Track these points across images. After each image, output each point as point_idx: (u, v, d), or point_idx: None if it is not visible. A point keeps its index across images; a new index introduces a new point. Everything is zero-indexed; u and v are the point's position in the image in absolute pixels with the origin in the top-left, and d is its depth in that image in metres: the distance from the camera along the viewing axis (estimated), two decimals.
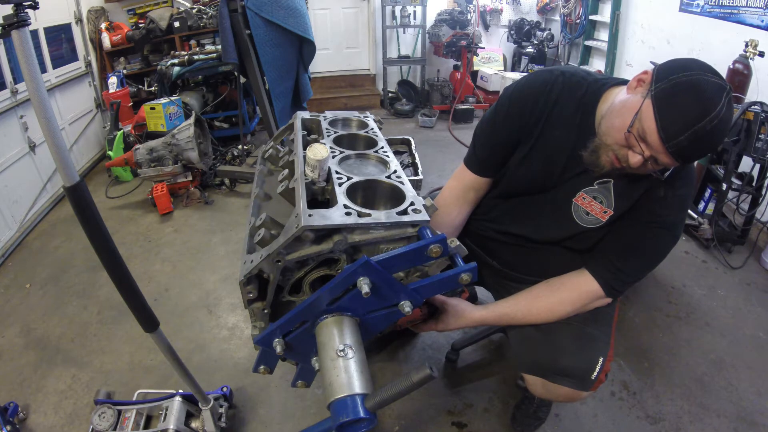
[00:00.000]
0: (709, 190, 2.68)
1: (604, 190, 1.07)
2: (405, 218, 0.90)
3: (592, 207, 1.09)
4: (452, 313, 1.16)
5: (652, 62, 0.93)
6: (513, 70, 5.33)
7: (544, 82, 1.09)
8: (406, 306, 0.91)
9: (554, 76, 1.09)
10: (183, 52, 3.79)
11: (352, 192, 0.99)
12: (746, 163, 2.46)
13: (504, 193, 1.25)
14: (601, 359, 1.09)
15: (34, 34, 3.06)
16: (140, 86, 4.11)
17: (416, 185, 1.45)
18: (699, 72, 0.85)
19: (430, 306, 1.19)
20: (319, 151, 0.98)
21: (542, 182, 1.14)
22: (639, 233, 1.07)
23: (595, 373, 1.08)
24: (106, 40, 3.98)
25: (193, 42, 4.13)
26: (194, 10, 4.12)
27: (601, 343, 1.12)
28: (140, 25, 4.11)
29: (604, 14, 4.36)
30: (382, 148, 1.24)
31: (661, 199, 1.03)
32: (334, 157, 1.13)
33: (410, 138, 1.85)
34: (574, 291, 1.11)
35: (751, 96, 2.52)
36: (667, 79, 0.87)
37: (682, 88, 0.85)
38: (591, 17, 4.51)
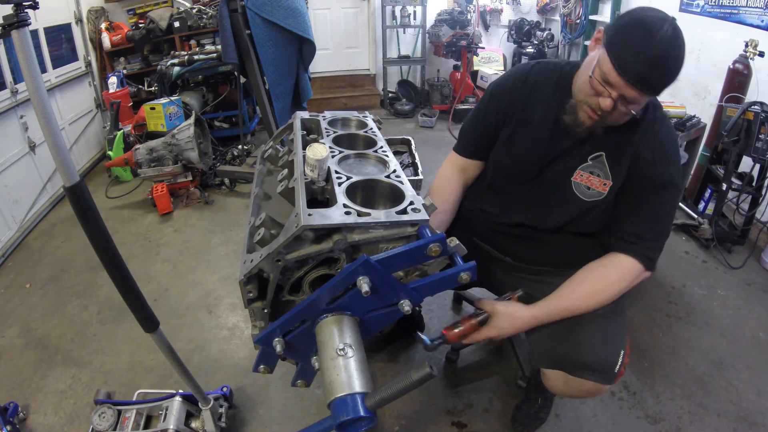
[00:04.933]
0: (709, 190, 2.68)
1: (598, 164, 1.11)
2: (404, 217, 0.90)
3: (591, 181, 1.12)
4: (504, 317, 1.13)
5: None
6: None
7: (521, 71, 1.22)
8: (406, 305, 0.91)
9: (530, 65, 1.22)
10: (183, 52, 3.79)
11: (351, 191, 0.99)
12: (746, 163, 2.46)
13: (500, 176, 1.26)
14: (622, 352, 1.10)
15: (34, 34, 3.06)
16: (140, 86, 4.11)
17: (416, 185, 1.45)
18: (640, 9, 0.95)
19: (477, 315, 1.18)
20: (319, 150, 0.98)
21: (531, 159, 1.18)
22: (645, 200, 1.10)
23: (617, 366, 1.09)
24: (106, 40, 3.99)
25: (193, 42, 4.13)
26: (194, 10, 4.12)
27: (621, 336, 1.14)
28: (140, 25, 4.11)
29: (604, 14, 4.36)
30: (382, 147, 1.24)
31: (651, 162, 1.07)
32: (333, 156, 1.13)
33: (410, 138, 1.85)
34: (617, 272, 1.11)
35: (751, 96, 2.52)
36: (613, 26, 0.97)
37: (626, 23, 0.95)
38: (591, 17, 4.51)
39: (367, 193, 1.06)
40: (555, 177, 1.17)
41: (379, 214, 0.90)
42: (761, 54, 2.41)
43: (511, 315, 1.14)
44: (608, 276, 1.11)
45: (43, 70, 3.19)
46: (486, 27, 5.38)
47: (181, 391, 1.53)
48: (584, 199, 1.13)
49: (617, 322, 1.15)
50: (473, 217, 1.36)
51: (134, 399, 1.61)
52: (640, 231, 1.10)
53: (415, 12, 4.91)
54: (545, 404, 1.56)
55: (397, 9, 4.85)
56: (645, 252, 1.10)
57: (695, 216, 2.67)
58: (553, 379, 1.17)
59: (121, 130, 3.37)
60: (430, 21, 4.99)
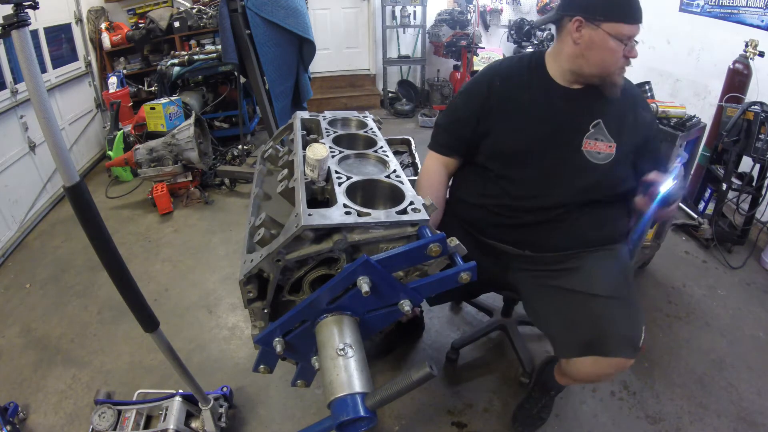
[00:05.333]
0: (709, 190, 2.68)
1: (599, 130, 1.23)
2: (404, 217, 0.90)
3: (598, 147, 1.23)
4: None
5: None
6: None
7: (489, 68, 1.35)
8: (406, 305, 0.91)
9: (497, 62, 1.37)
10: (183, 52, 3.79)
11: (351, 191, 0.99)
12: (746, 163, 2.46)
13: (508, 163, 1.28)
14: (643, 326, 1.16)
15: (34, 34, 3.06)
16: (140, 86, 4.11)
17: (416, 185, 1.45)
18: None
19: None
20: (319, 150, 0.98)
21: (537, 136, 1.24)
22: (658, 147, 1.35)
23: (641, 340, 1.13)
24: (106, 40, 3.98)
25: (193, 42, 4.13)
26: (194, 10, 4.12)
27: (640, 312, 1.19)
28: (140, 25, 4.11)
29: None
30: (382, 147, 1.24)
31: (651, 120, 1.32)
32: (333, 156, 1.13)
33: (410, 138, 1.85)
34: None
35: (751, 96, 2.52)
36: (589, 5, 1.11)
37: None
38: None
39: (367, 193, 1.06)
40: (564, 151, 1.24)
41: (379, 214, 0.89)
42: (761, 54, 2.41)
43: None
44: None
45: (43, 70, 3.19)
46: (486, 27, 5.38)
47: (181, 391, 1.53)
48: (599, 163, 1.23)
49: (633, 300, 1.21)
50: (478, 218, 1.35)
51: (134, 399, 1.61)
52: (662, 162, 1.32)
53: (415, 12, 4.91)
54: (547, 404, 1.55)
55: (397, 9, 4.85)
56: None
57: (695, 216, 2.67)
58: (581, 366, 1.17)
59: (121, 130, 3.37)
60: (430, 21, 4.99)
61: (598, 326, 1.14)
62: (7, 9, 0.76)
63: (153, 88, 3.86)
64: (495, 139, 1.29)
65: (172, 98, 3.42)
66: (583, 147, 1.22)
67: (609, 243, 1.28)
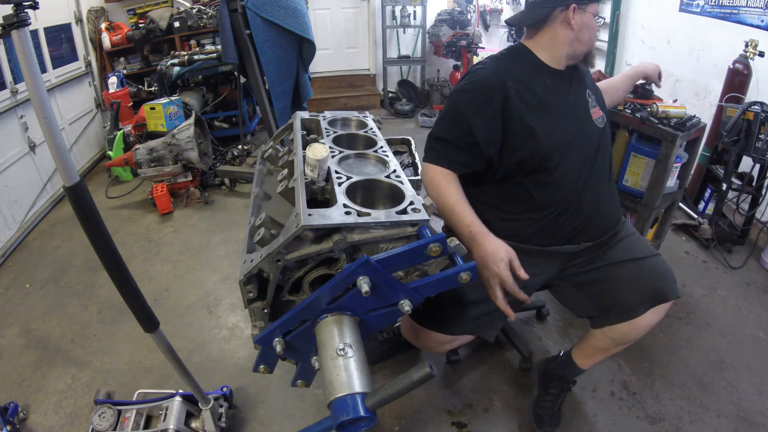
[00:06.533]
0: (709, 190, 2.68)
1: (591, 98, 1.34)
2: (404, 217, 0.90)
3: (596, 112, 1.34)
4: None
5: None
6: None
7: (485, 72, 1.24)
8: (406, 305, 0.91)
9: (490, 65, 1.27)
10: (183, 52, 3.79)
11: (351, 191, 0.99)
12: (746, 163, 2.46)
13: (552, 162, 1.21)
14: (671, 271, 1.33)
15: (34, 34, 3.06)
16: (140, 86, 4.10)
17: (416, 185, 1.44)
18: None
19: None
20: (319, 150, 0.98)
21: (567, 126, 1.26)
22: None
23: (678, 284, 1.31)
24: (106, 40, 3.98)
25: (193, 42, 4.13)
26: (194, 10, 4.12)
27: (667, 264, 1.36)
28: (140, 25, 4.11)
29: (604, 14, 4.36)
30: (382, 147, 1.24)
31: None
32: (333, 156, 1.13)
33: (410, 138, 1.85)
34: None
35: (751, 96, 2.52)
36: None
37: None
38: None
39: (367, 193, 1.06)
40: (585, 124, 1.30)
41: (379, 214, 0.89)
42: (761, 54, 2.40)
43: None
44: None
45: (43, 70, 3.19)
46: (486, 27, 5.38)
47: (181, 391, 1.53)
48: (601, 126, 1.33)
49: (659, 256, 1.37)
50: (524, 233, 1.28)
51: (134, 399, 1.61)
52: None
53: (415, 12, 4.91)
54: (565, 399, 1.56)
55: (397, 9, 4.85)
56: None
57: (695, 216, 2.67)
58: (641, 321, 1.28)
59: (121, 130, 3.37)
60: (430, 21, 4.99)
61: (654, 280, 1.29)
62: (7, 9, 0.76)
63: (153, 88, 3.86)
64: (536, 139, 1.19)
65: (172, 98, 3.42)
66: (592, 117, 1.32)
67: (621, 213, 1.44)
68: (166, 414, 1.48)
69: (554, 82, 1.27)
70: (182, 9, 4.13)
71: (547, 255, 1.31)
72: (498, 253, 1.08)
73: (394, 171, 1.10)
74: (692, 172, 2.73)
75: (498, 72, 1.23)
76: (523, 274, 1.08)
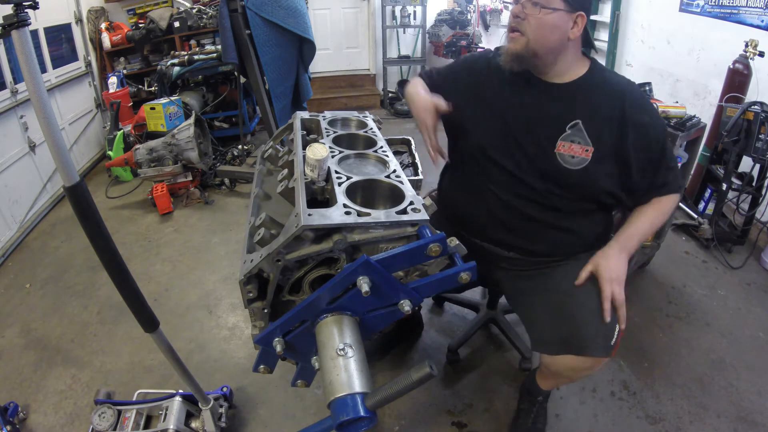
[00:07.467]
0: (709, 190, 2.68)
1: (577, 132, 1.17)
2: (404, 217, 0.90)
3: (573, 150, 1.17)
4: (604, 266, 1.16)
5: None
6: None
7: (482, 53, 1.39)
8: (406, 305, 0.91)
9: (480, 53, 1.41)
10: (183, 52, 3.79)
11: (351, 191, 0.99)
12: (746, 163, 2.46)
13: (484, 151, 1.29)
14: (617, 326, 1.15)
15: (34, 34, 3.06)
16: (140, 86, 4.11)
17: (416, 185, 1.45)
18: None
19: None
20: (319, 150, 0.98)
21: (510, 125, 1.24)
22: (657, 154, 1.19)
23: (614, 339, 1.14)
24: (106, 40, 3.99)
25: (193, 42, 4.13)
26: (194, 10, 4.12)
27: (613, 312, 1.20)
28: (140, 25, 4.11)
29: (604, 14, 4.35)
30: (382, 147, 1.24)
31: (651, 124, 1.18)
32: (333, 156, 1.13)
33: (410, 138, 1.85)
34: (666, 205, 1.27)
35: (751, 96, 2.52)
36: None
37: None
38: (591, 17, 4.51)
39: (367, 193, 1.06)
40: (538, 153, 1.20)
41: (379, 214, 0.89)
42: (761, 54, 2.40)
43: (606, 258, 1.17)
44: (661, 209, 1.26)
45: (43, 70, 3.19)
46: (486, 27, 5.38)
47: (181, 391, 1.53)
48: (571, 168, 1.17)
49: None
50: (468, 215, 1.36)
51: (134, 399, 1.61)
52: (665, 177, 1.22)
53: (415, 12, 4.91)
54: (540, 413, 1.53)
55: (397, 9, 4.85)
56: (675, 188, 1.26)
57: (695, 216, 2.66)
58: (560, 364, 1.19)
59: (121, 130, 3.37)
60: (430, 21, 4.99)
61: (573, 325, 1.15)
62: (7, 9, 0.76)
63: (153, 88, 3.86)
64: (473, 131, 1.33)
65: (172, 98, 3.42)
66: (555, 150, 1.18)
67: (589, 249, 1.25)
68: (166, 414, 1.48)
69: (507, 87, 1.25)
70: (182, 9, 4.13)
71: (480, 251, 1.36)
72: (424, 104, 1.31)
73: (394, 171, 1.10)
74: (692, 172, 2.73)
75: (485, 58, 1.35)
76: (443, 105, 1.29)
